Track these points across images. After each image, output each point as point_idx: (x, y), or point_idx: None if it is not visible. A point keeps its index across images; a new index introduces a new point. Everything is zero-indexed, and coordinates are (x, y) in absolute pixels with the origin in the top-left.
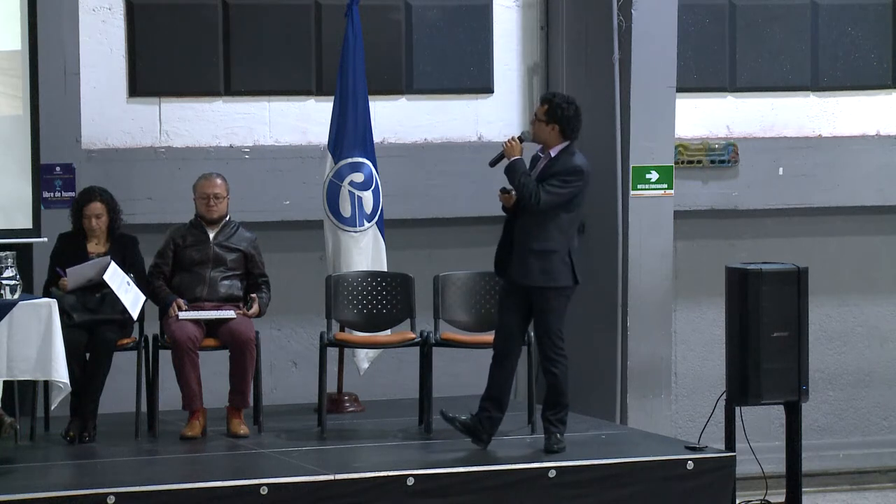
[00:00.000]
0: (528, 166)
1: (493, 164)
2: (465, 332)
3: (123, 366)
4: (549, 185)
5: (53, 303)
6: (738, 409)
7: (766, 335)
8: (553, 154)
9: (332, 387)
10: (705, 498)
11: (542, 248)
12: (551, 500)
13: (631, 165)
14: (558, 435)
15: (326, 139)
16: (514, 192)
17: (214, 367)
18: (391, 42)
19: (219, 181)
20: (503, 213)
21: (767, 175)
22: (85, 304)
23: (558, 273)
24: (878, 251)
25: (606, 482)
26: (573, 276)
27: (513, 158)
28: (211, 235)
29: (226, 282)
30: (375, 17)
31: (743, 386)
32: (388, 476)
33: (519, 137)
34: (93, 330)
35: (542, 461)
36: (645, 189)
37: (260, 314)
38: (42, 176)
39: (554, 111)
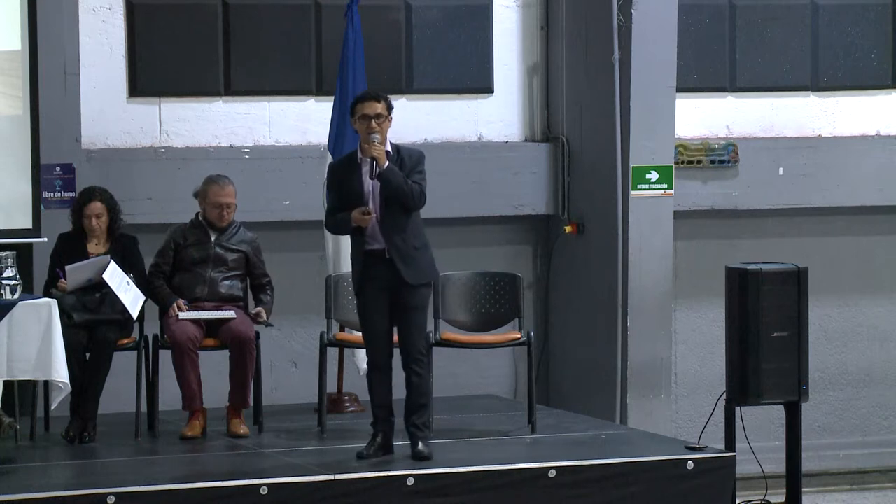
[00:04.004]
0: (343, 171)
1: (376, 176)
2: (465, 332)
3: (123, 366)
4: (418, 181)
5: (53, 303)
6: (738, 409)
7: (766, 335)
8: (389, 149)
9: (332, 387)
10: (705, 498)
11: (421, 243)
12: (551, 500)
13: (631, 165)
14: (425, 440)
15: (326, 139)
16: (372, 209)
17: (214, 367)
18: (391, 42)
19: (231, 188)
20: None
21: (767, 175)
22: (85, 304)
23: (434, 265)
24: (878, 251)
25: (606, 482)
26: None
27: (386, 164)
28: (213, 236)
29: (226, 282)
30: (375, 17)
31: (743, 386)
32: (388, 476)
33: (376, 142)
34: (93, 330)
35: (541, 461)
36: (645, 189)
37: (267, 318)
38: (42, 176)
39: (389, 104)
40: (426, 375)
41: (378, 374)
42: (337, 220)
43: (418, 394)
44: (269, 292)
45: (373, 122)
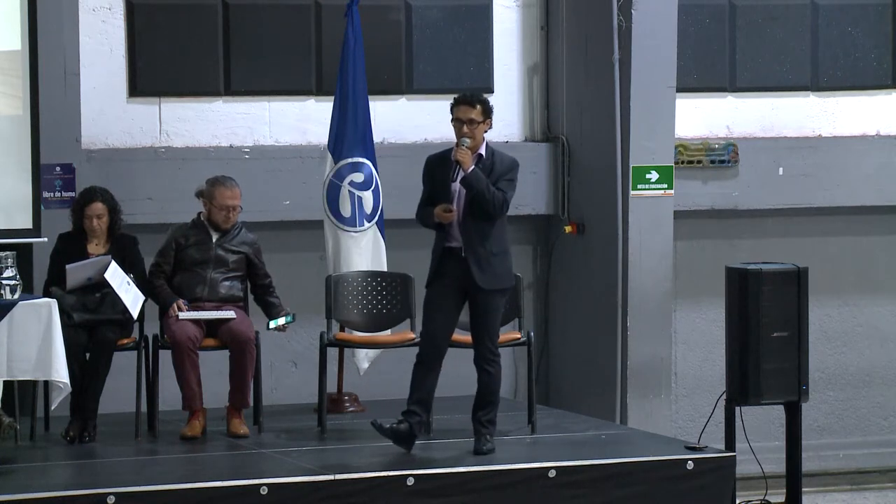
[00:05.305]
0: (437, 167)
1: (459, 179)
2: (465, 332)
3: (123, 366)
4: (504, 188)
5: (53, 303)
6: (738, 409)
7: (766, 335)
8: (483, 153)
9: (332, 387)
10: (705, 498)
11: (500, 249)
12: (551, 500)
13: (631, 165)
14: (489, 436)
15: (326, 139)
16: (454, 207)
17: (214, 367)
18: (391, 42)
19: (237, 190)
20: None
21: (767, 175)
22: (85, 304)
23: (512, 271)
24: (878, 251)
25: (606, 482)
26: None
27: (471, 169)
28: (214, 237)
29: (226, 282)
30: (375, 17)
31: (743, 386)
32: (388, 476)
33: (465, 147)
34: (93, 330)
35: (541, 461)
36: (645, 189)
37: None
38: (42, 176)
39: (487, 107)
40: (496, 374)
41: (422, 369)
42: (424, 213)
43: (487, 391)
44: (275, 294)
45: (464, 128)
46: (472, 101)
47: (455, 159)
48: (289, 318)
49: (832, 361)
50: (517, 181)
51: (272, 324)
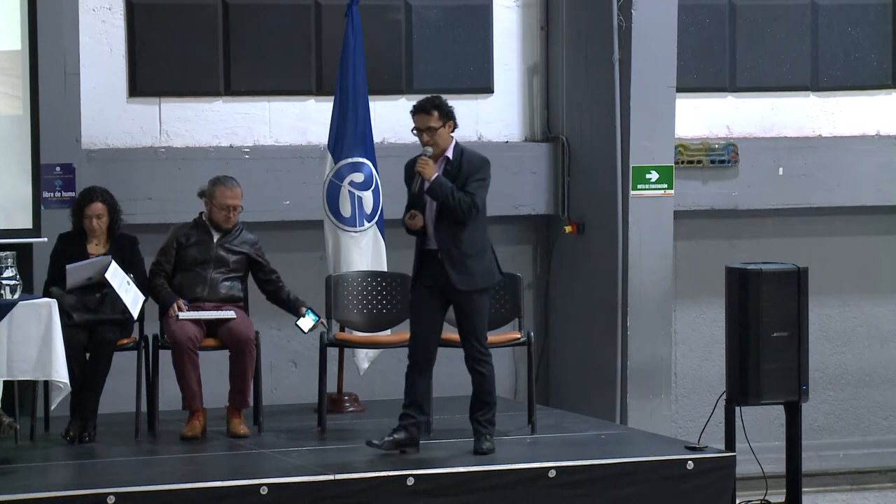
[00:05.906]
0: (411, 170)
1: (423, 190)
2: None
3: (123, 366)
4: (474, 190)
5: (53, 303)
6: (738, 409)
7: (766, 335)
8: (450, 155)
9: (332, 387)
10: (705, 498)
11: (475, 250)
12: (551, 500)
13: (631, 165)
14: (488, 436)
15: (326, 139)
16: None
17: (214, 367)
18: (391, 42)
19: (238, 190)
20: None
21: (767, 175)
22: (85, 304)
23: (494, 269)
24: (878, 251)
25: (606, 482)
26: (499, 268)
27: (433, 177)
28: (215, 237)
29: (227, 283)
30: (375, 17)
31: (743, 386)
32: (388, 476)
33: (426, 156)
34: (93, 330)
35: (541, 461)
36: (645, 189)
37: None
38: (42, 176)
39: (444, 111)
40: (489, 374)
41: (413, 371)
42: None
43: (482, 391)
44: (285, 288)
45: (424, 136)
46: (427, 108)
47: (416, 171)
48: (315, 318)
49: (832, 361)
50: (489, 179)
51: (305, 327)
